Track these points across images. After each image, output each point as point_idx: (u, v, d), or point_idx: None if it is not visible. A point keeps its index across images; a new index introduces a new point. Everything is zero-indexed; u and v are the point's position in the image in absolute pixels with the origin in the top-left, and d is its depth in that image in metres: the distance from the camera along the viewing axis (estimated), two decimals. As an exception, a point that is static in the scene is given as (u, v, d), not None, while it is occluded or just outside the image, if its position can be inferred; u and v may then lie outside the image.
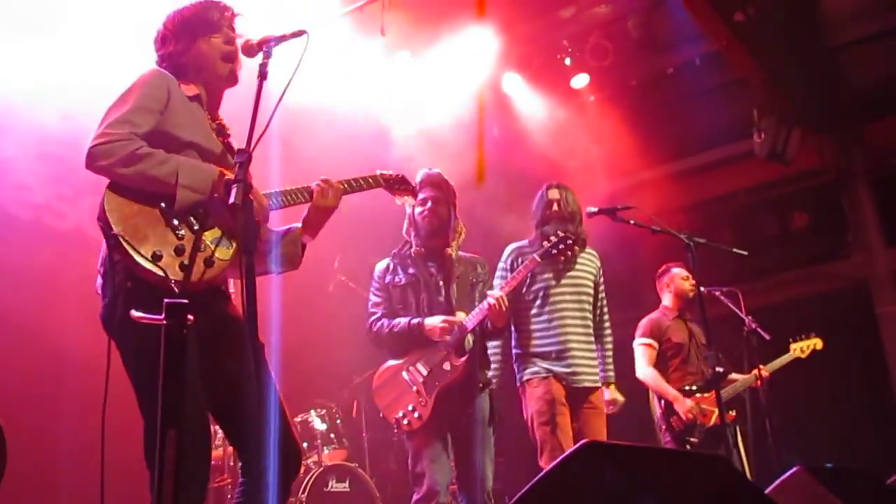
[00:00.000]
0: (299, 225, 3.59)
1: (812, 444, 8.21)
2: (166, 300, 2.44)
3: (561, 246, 5.25)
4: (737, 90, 8.69)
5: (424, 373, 4.94)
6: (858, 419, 8.93)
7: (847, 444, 8.50)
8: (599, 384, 5.68)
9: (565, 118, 9.18)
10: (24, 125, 6.18)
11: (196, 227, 3.17)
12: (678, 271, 7.04)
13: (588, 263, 5.82)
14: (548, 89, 9.06)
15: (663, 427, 6.74)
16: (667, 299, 7.11)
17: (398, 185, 4.06)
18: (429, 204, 5.13)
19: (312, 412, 7.16)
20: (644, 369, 6.82)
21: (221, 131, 3.54)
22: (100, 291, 3.19)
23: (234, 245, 3.24)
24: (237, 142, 3.45)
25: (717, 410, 6.56)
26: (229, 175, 3.14)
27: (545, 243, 5.31)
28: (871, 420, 9.00)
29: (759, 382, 6.82)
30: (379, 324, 5.10)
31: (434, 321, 4.94)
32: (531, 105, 9.13)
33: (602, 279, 5.88)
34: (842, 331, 9.05)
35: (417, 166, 7.96)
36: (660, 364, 6.85)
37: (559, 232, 5.34)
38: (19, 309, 6.00)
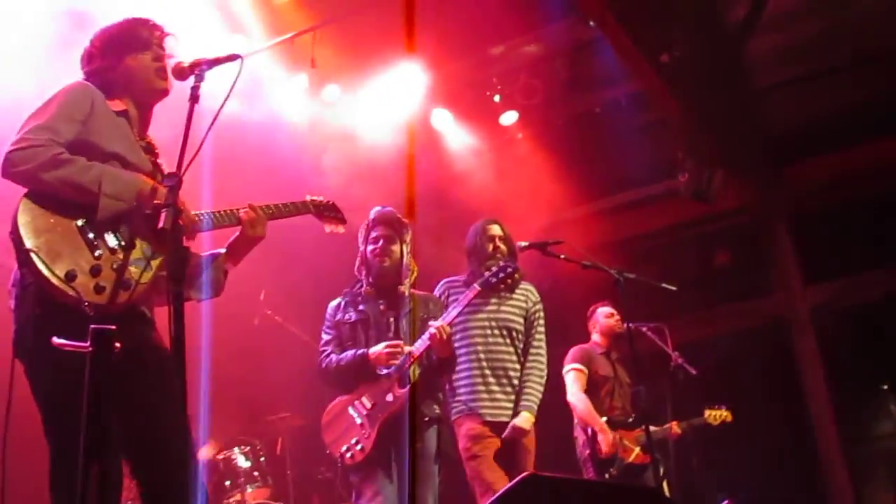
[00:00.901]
0: (223, 251, 3.50)
1: (733, 479, 8.32)
2: (92, 326, 2.35)
3: (501, 275, 5.24)
4: (662, 130, 8.83)
5: (369, 405, 4.91)
6: (778, 454, 9.08)
7: (767, 478, 8.63)
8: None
9: (494, 155, 9.24)
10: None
11: (116, 246, 3.07)
12: (602, 310, 7.16)
13: (521, 298, 5.84)
14: (477, 126, 9.11)
15: (587, 453, 6.76)
16: (596, 337, 7.21)
17: (328, 212, 4.00)
18: (381, 242, 5.12)
19: (236, 449, 7.00)
20: (576, 394, 6.85)
21: (149, 150, 3.46)
22: (12, 311, 3.08)
23: (156, 267, 3.13)
24: (168, 166, 3.38)
25: (636, 449, 6.65)
26: (159, 187, 3.09)
27: (486, 273, 5.30)
28: (790, 455, 9.16)
29: (672, 435, 6.93)
30: (328, 360, 5.07)
31: (378, 348, 4.91)
32: (460, 141, 9.17)
33: (539, 314, 5.89)
34: (762, 367, 9.23)
35: (347, 200, 7.95)
36: (589, 392, 6.89)
37: (500, 263, 5.35)
38: None
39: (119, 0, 4.70)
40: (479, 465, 5.41)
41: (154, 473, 3.05)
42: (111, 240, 3.09)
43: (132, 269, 3.06)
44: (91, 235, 3.04)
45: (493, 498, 2.31)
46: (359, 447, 4.85)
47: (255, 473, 7.02)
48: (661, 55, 7.21)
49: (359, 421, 4.91)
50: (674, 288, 6.02)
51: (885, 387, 9.65)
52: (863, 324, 9.48)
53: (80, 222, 3.04)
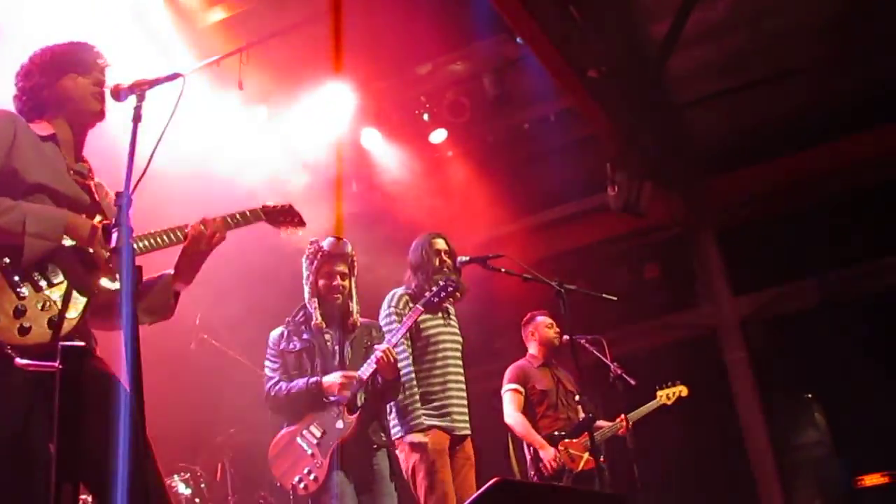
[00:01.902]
0: (170, 271, 3.38)
1: (668, 487, 8.40)
2: (62, 344, 2.28)
3: (443, 294, 5.25)
4: (591, 145, 8.95)
5: (318, 434, 4.86)
6: (711, 462, 9.19)
7: (700, 486, 8.73)
8: (469, 433, 5.69)
9: (424, 173, 9.26)
10: None
11: (43, 284, 2.97)
12: (542, 319, 7.15)
13: (453, 316, 5.86)
14: (406, 144, 9.12)
15: (532, 473, 6.76)
16: (532, 348, 7.18)
17: (284, 216, 3.79)
18: (337, 280, 5.10)
19: (176, 477, 6.83)
20: (512, 414, 6.82)
21: (82, 174, 3.34)
22: None
23: (83, 303, 3.04)
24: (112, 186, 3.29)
25: (585, 455, 6.67)
26: (78, 218, 3.01)
27: (427, 293, 5.30)
28: (722, 463, 9.28)
29: (623, 430, 6.94)
30: (277, 387, 5.01)
31: (333, 377, 4.88)
32: (390, 160, 9.16)
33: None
34: (693, 378, 9.31)
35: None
36: (527, 411, 6.88)
37: (440, 281, 5.35)
38: None
39: (43, 20, 4.62)
40: (440, 479, 5.37)
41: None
42: (38, 278, 2.98)
43: (58, 305, 2.97)
44: (15, 277, 2.93)
45: (467, 502, 2.29)
46: (311, 476, 4.79)
47: (197, 500, 6.91)
48: (589, 70, 7.29)
49: (309, 451, 4.86)
50: (614, 298, 6.05)
51: (810, 395, 9.84)
52: (790, 333, 9.67)
53: (4, 263, 2.93)
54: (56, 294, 2.99)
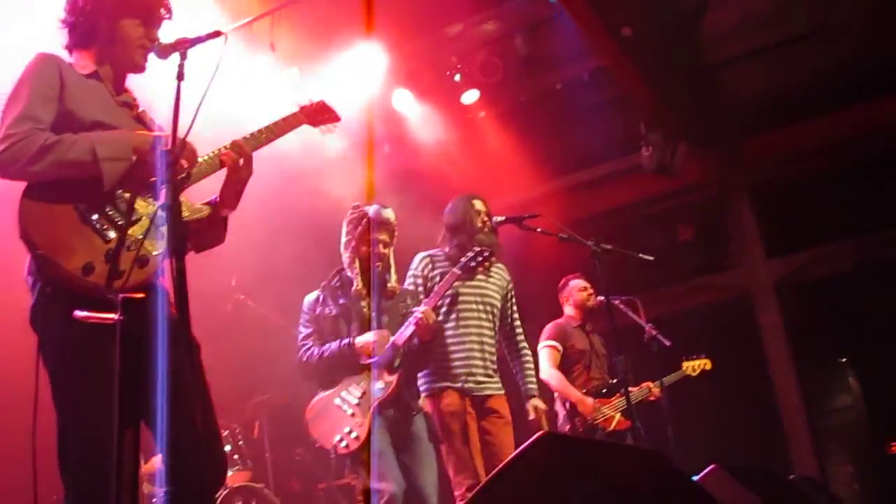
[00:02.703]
0: (216, 198, 3.40)
1: (700, 451, 8.38)
2: (121, 295, 2.31)
3: (480, 258, 5.24)
4: (624, 105, 8.86)
5: (358, 394, 4.90)
6: (743, 427, 9.16)
7: (733, 450, 8.70)
8: (501, 392, 5.69)
9: (456, 134, 9.20)
10: None
11: (123, 223, 3.01)
12: (576, 283, 7.16)
13: (497, 277, 5.84)
14: (438, 106, 9.06)
15: (567, 428, 6.79)
16: (569, 310, 7.22)
17: (321, 114, 3.84)
18: (379, 248, 5.10)
19: (216, 434, 6.96)
20: (549, 370, 6.86)
21: (128, 105, 3.38)
22: (29, 287, 3.04)
23: (165, 235, 3.03)
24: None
25: (617, 416, 6.69)
26: (139, 135, 3.07)
27: (464, 257, 5.28)
28: (754, 427, 9.25)
29: (651, 397, 6.94)
30: (309, 352, 5.04)
31: (366, 336, 4.92)
32: (422, 121, 9.12)
33: (513, 292, 5.91)
34: (726, 341, 9.30)
35: (309, 184, 7.89)
36: (563, 368, 6.92)
37: (476, 246, 5.32)
38: None
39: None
40: (457, 441, 5.39)
41: (173, 439, 2.94)
42: (118, 218, 3.02)
43: (143, 242, 3.00)
44: (96, 219, 2.98)
45: (511, 455, 2.29)
46: (353, 435, 4.83)
47: (235, 457, 7.02)
48: (622, 29, 7.20)
49: (349, 411, 4.89)
50: (650, 258, 6.01)
51: (844, 360, 9.77)
52: (824, 297, 9.59)
53: (82, 208, 2.97)
54: (139, 231, 3.04)
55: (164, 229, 3.05)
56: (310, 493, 7.98)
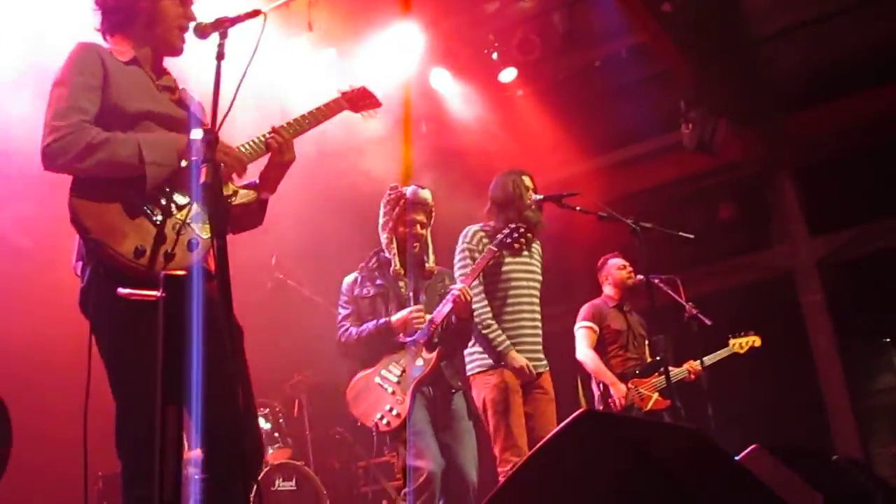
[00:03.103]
0: (255, 181, 3.45)
1: (742, 431, 8.33)
2: (164, 272, 2.33)
3: (516, 234, 5.22)
4: (664, 82, 8.77)
5: (398, 373, 4.93)
6: (785, 407, 9.09)
7: (774, 430, 8.64)
8: (546, 368, 5.70)
9: (494, 112, 9.17)
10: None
11: (171, 208, 3.05)
12: (615, 262, 7.14)
13: (537, 252, 5.84)
14: (476, 84, 9.03)
15: (601, 408, 6.78)
16: (608, 289, 7.20)
17: (362, 100, 3.88)
18: (417, 228, 5.14)
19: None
20: (585, 351, 6.86)
21: (169, 87, 3.39)
22: (78, 274, 3.10)
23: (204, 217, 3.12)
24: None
25: (654, 395, 6.65)
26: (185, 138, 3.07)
27: (503, 233, 5.27)
28: (796, 407, 9.17)
29: (692, 376, 6.89)
30: (347, 333, 5.09)
31: (402, 314, 4.95)
32: (460, 100, 9.09)
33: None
34: (767, 320, 9.20)
35: (348, 163, 7.92)
36: (599, 349, 6.92)
37: (523, 223, 5.32)
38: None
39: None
40: (506, 418, 5.39)
41: (209, 423, 2.98)
42: (166, 203, 3.06)
43: (194, 226, 3.05)
44: (146, 206, 3.02)
45: (550, 433, 2.28)
46: (394, 413, 4.85)
47: (276, 435, 7.11)
48: (663, 4, 7.12)
49: (389, 389, 4.92)
50: (691, 236, 5.93)
51: (888, 339, 9.64)
52: (868, 275, 9.46)
53: (132, 193, 3.01)
54: (188, 216, 3.08)
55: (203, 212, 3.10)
56: (349, 470, 8.05)
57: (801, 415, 9.10)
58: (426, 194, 5.24)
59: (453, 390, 5.10)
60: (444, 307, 4.96)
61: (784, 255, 9.78)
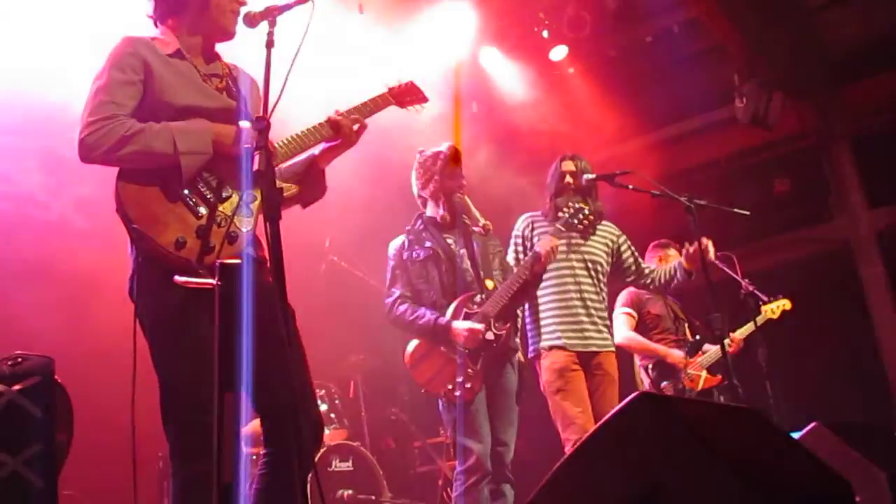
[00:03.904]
0: (316, 153, 3.49)
1: (801, 408, 8.25)
2: (218, 262, 2.38)
3: (580, 216, 5.24)
4: (716, 56, 8.67)
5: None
6: (845, 382, 8.98)
7: (836, 405, 8.55)
8: (610, 349, 5.70)
9: (545, 91, 9.13)
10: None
11: (214, 199, 3.09)
12: (674, 254, 7.04)
13: (603, 236, 5.84)
14: (526, 62, 9.00)
15: None
16: None
17: (409, 95, 3.89)
18: (460, 179, 5.19)
19: (313, 393, 7.10)
20: (625, 333, 6.85)
21: (217, 75, 3.40)
22: (132, 260, 3.15)
23: (256, 209, 3.15)
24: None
25: (703, 374, 6.62)
26: (223, 127, 3.11)
27: (561, 214, 5.30)
28: (858, 381, 9.06)
29: (732, 349, 6.83)
30: (401, 308, 5.02)
31: (465, 325, 4.86)
32: (510, 79, 9.07)
33: (625, 244, 5.94)
34: (827, 294, 9.10)
35: (396, 143, 7.92)
36: (641, 334, 6.91)
37: (571, 203, 5.32)
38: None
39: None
40: (562, 398, 5.41)
41: (268, 401, 3.07)
42: (209, 195, 3.10)
43: (233, 219, 3.08)
44: (188, 195, 3.06)
45: (606, 417, 2.29)
46: (468, 385, 4.79)
47: (332, 416, 7.15)
48: (715, -23, 7.03)
49: (458, 360, 4.83)
50: (746, 213, 5.85)
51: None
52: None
53: (175, 184, 3.05)
54: (229, 208, 3.11)
55: (253, 206, 3.13)
56: (405, 450, 8.10)
57: (863, 390, 8.97)
58: (459, 149, 5.30)
59: (508, 363, 5.06)
60: (523, 272, 5.01)
61: (843, 227, 9.63)
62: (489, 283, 5.03)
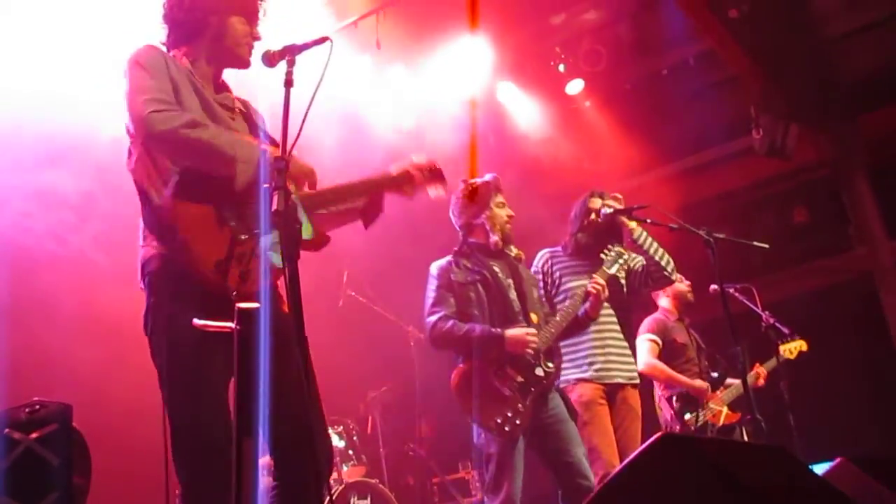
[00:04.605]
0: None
1: (825, 442, 8.18)
2: (238, 306, 2.37)
3: (620, 262, 5.28)
4: (732, 87, 8.69)
5: (518, 378, 4.78)
6: (869, 414, 8.90)
7: (857, 435, 8.47)
8: (635, 382, 5.69)
9: (561, 124, 9.18)
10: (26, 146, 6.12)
11: (255, 229, 3.07)
12: (686, 286, 7.02)
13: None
14: (543, 96, 9.06)
15: (676, 429, 6.68)
16: (664, 302, 7.09)
17: (433, 176, 3.83)
18: (509, 210, 5.23)
19: (329, 429, 7.06)
20: (650, 361, 6.73)
21: (226, 105, 3.39)
22: (144, 290, 3.14)
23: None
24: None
25: (724, 409, 6.58)
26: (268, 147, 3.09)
27: (604, 256, 5.27)
28: (881, 415, 8.97)
29: (760, 382, 6.79)
30: (448, 323, 4.88)
31: (518, 332, 4.81)
32: (527, 113, 9.12)
33: (633, 260, 5.83)
34: (849, 324, 9.05)
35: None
36: (664, 362, 6.81)
37: (612, 249, 5.33)
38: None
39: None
40: (590, 432, 5.38)
41: (282, 434, 3.02)
42: (250, 222, 3.08)
43: (272, 254, 3.03)
44: (233, 222, 3.04)
45: (629, 459, 2.28)
46: (517, 421, 4.69)
47: (350, 452, 7.13)
48: (729, 10, 7.05)
49: (507, 392, 4.75)
50: (765, 246, 5.82)
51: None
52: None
53: (221, 209, 3.04)
54: (268, 243, 3.05)
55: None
56: (424, 487, 8.05)
57: (887, 422, 8.89)
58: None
59: (551, 394, 4.96)
60: (573, 308, 5.01)
61: (863, 257, 9.58)
62: (533, 317, 4.99)
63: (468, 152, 8.33)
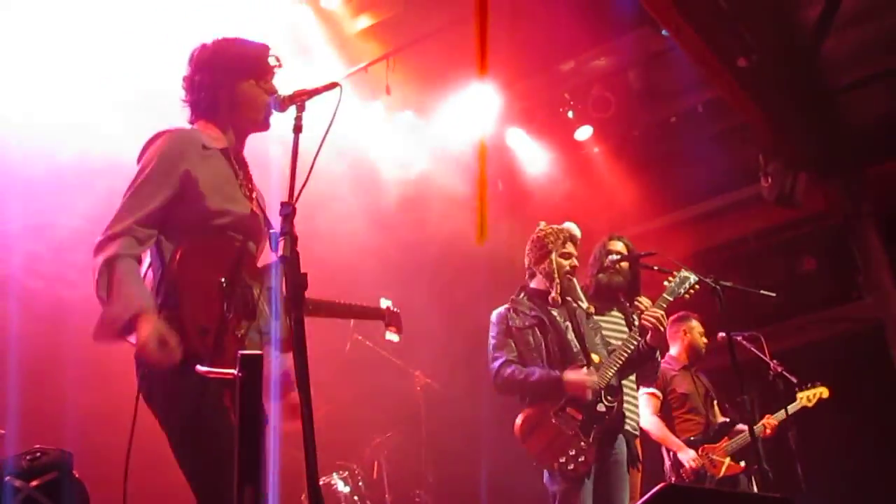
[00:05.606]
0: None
1: (833, 494, 8.10)
2: (241, 353, 2.37)
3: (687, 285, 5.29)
4: (741, 135, 8.71)
5: (580, 417, 4.84)
6: (879, 467, 8.81)
7: (869, 486, 8.39)
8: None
9: (570, 170, 9.22)
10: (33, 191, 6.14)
11: (244, 310, 3.10)
12: (697, 324, 6.99)
13: (614, 315, 5.82)
14: (552, 143, 9.11)
15: (673, 479, 6.63)
16: (675, 349, 7.05)
17: (395, 320, 4.30)
18: (573, 261, 5.28)
19: (335, 475, 7.02)
20: (648, 418, 6.70)
21: (247, 185, 3.39)
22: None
23: (266, 340, 3.14)
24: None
25: (726, 460, 6.51)
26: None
27: (637, 303, 5.23)
28: (890, 463, 8.88)
29: (767, 433, 6.73)
30: (510, 369, 5.01)
31: (577, 376, 4.87)
32: (536, 159, 9.17)
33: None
34: (859, 373, 8.98)
35: (420, 223, 8.01)
36: (666, 414, 6.79)
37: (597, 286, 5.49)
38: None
39: (198, 30, 4.67)
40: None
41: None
42: (243, 302, 3.09)
43: (252, 335, 3.08)
44: (228, 295, 3.03)
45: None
46: (581, 459, 4.73)
47: (355, 498, 7.04)
48: (737, 60, 7.08)
49: (570, 431, 4.81)
50: (773, 295, 5.81)
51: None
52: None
53: (222, 280, 3.04)
54: (251, 326, 3.12)
55: (266, 337, 3.15)
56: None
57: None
58: (578, 232, 5.39)
59: (618, 433, 5.02)
60: (627, 345, 5.01)
61: (873, 306, 9.54)
62: (595, 357, 5.03)
63: (477, 197, 8.38)
